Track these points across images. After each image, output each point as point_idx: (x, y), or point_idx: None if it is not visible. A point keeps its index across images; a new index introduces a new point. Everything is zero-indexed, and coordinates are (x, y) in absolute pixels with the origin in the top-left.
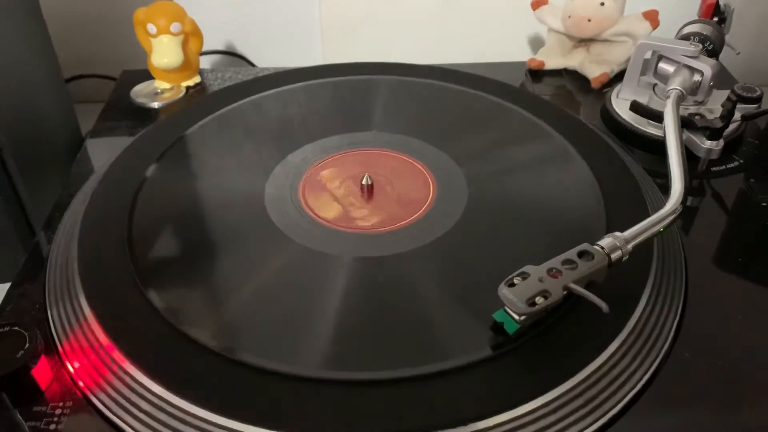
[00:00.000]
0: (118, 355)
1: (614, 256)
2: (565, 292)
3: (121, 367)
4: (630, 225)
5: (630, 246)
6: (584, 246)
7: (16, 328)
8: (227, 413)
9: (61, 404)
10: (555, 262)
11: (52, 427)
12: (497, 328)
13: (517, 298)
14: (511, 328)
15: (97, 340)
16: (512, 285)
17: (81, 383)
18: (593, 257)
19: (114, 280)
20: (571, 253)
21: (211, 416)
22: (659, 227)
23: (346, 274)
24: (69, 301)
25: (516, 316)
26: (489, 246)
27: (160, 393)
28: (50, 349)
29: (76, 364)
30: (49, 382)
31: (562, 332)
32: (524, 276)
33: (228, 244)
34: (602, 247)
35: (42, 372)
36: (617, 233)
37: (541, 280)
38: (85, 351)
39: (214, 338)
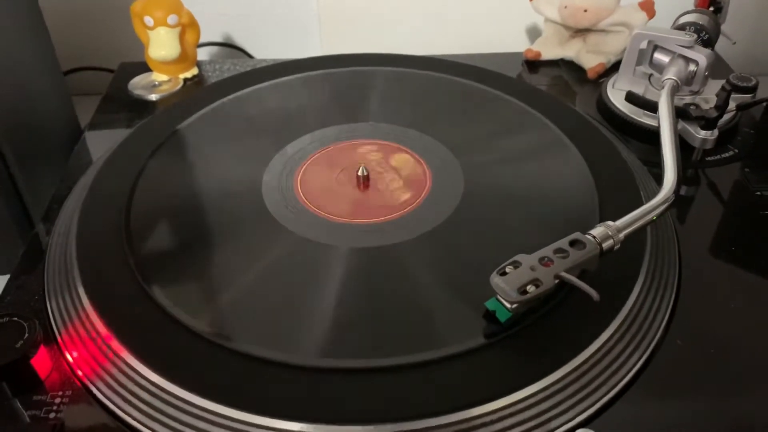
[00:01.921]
0: (116, 344)
1: (606, 245)
2: (556, 281)
3: (119, 357)
4: (624, 214)
5: (622, 235)
6: (576, 235)
7: (15, 318)
8: (224, 401)
9: (60, 393)
10: (547, 251)
11: (52, 415)
12: (490, 316)
13: (508, 287)
14: (503, 317)
15: (96, 330)
16: (504, 274)
17: (80, 372)
18: (585, 246)
19: (112, 271)
20: (563, 242)
21: (208, 404)
22: (652, 216)
23: (343, 264)
24: (68, 292)
25: (508, 305)
26: (484, 235)
27: (158, 382)
28: (49, 339)
29: (75, 354)
30: (49, 372)
31: (556, 320)
32: (516, 265)
33: (225, 234)
34: (594, 236)
35: (41, 362)
36: (609, 222)
37: (532, 268)
38: (83, 341)
39: (212, 327)
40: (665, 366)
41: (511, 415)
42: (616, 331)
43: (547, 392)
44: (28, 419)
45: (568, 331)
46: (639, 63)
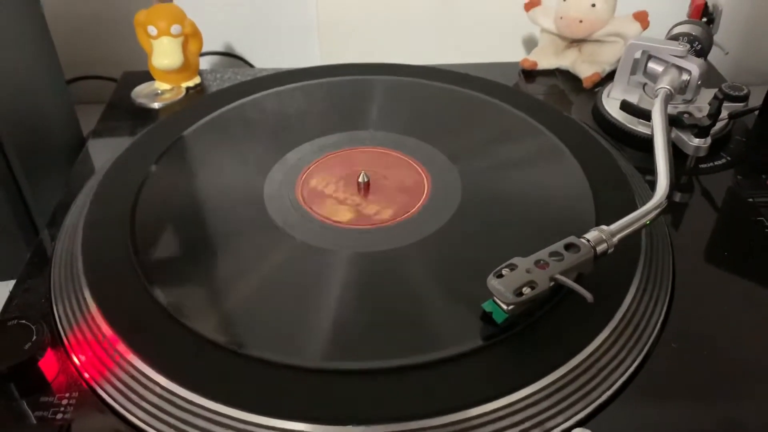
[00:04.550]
0: (122, 347)
1: (600, 248)
2: (551, 283)
3: (125, 359)
4: (618, 220)
5: (615, 239)
6: (571, 239)
7: (24, 321)
8: (229, 403)
9: (67, 395)
10: (542, 254)
11: (59, 416)
12: (486, 317)
13: (504, 289)
14: (499, 318)
15: (102, 333)
16: (501, 276)
17: (86, 375)
18: (579, 249)
19: (117, 275)
20: (558, 246)
21: (212, 405)
22: (645, 221)
23: (344, 268)
24: (74, 296)
25: (504, 306)
26: (482, 240)
27: (163, 384)
28: (56, 342)
29: (82, 357)
30: (56, 374)
31: (553, 322)
32: (512, 267)
33: (228, 240)
34: (588, 240)
35: (49, 364)
36: (603, 226)
37: (528, 271)
38: (90, 343)
39: (216, 330)
40: (660, 368)
41: (508, 415)
42: (611, 334)
43: (544, 393)
44: (35, 420)
45: (564, 333)
46: (633, 72)
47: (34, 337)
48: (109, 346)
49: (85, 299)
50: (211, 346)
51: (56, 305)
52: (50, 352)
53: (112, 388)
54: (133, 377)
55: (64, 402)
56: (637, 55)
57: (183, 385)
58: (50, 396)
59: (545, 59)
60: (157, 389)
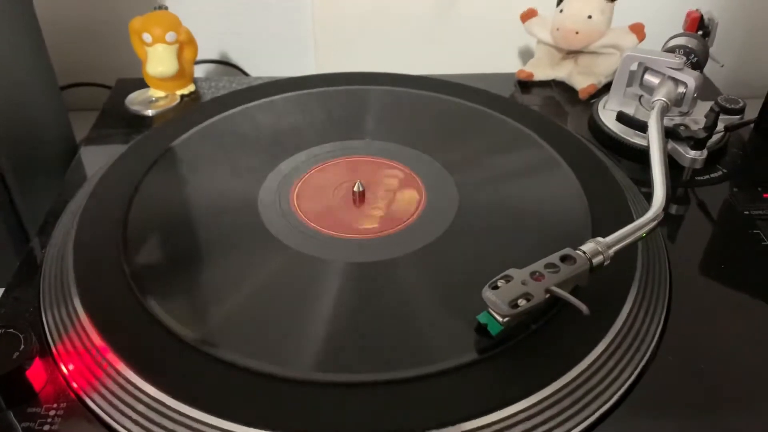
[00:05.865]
0: (111, 356)
1: (596, 260)
2: (547, 295)
3: (114, 369)
4: (614, 232)
5: (611, 251)
6: (566, 250)
7: (12, 330)
8: (219, 414)
9: (54, 405)
10: (538, 265)
11: (46, 427)
12: (481, 329)
13: (500, 300)
14: (494, 329)
15: (91, 342)
16: (496, 288)
17: (75, 385)
18: (575, 261)
19: (108, 284)
20: (554, 257)
21: (202, 416)
22: (641, 233)
23: (338, 278)
24: (63, 305)
25: (499, 318)
26: (478, 251)
27: (153, 394)
28: (44, 351)
29: (71, 366)
30: (44, 384)
31: (549, 335)
32: (508, 279)
33: (221, 249)
34: (584, 252)
35: (36, 374)
36: (599, 238)
37: (524, 282)
38: (79, 353)
39: (207, 341)
40: (657, 381)
41: (503, 429)
42: (608, 347)
43: (539, 407)
44: (21, 431)
45: (561, 346)
46: (629, 84)
47: (22, 347)
48: (99, 356)
49: (74, 308)
50: (202, 357)
51: (45, 314)
52: (38, 361)
53: (101, 398)
54: (122, 387)
55: (52, 413)
56: (634, 67)
57: (173, 396)
58: (37, 406)
59: (541, 70)
60: (147, 399)
